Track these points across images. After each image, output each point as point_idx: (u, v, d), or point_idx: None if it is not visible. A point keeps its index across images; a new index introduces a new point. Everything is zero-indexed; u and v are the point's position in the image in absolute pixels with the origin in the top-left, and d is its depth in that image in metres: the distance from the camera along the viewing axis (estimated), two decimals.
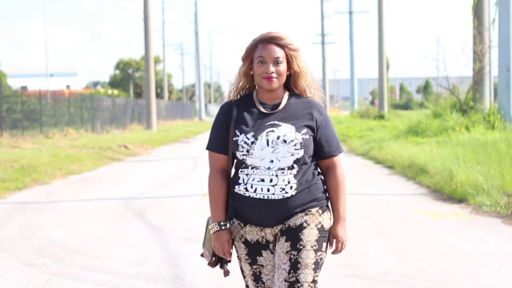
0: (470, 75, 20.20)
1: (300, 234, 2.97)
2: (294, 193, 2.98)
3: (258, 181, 2.97)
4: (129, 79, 73.77)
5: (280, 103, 3.06)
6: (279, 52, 3.00)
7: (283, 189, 2.96)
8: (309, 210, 3.01)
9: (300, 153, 2.97)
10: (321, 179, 3.11)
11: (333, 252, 3.09)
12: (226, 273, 3.16)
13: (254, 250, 3.05)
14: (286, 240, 2.97)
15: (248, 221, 3.03)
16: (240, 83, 3.14)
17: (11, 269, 6.12)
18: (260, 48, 3.01)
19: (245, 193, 2.99)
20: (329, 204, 3.11)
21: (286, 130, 2.98)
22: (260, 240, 3.05)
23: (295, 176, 2.97)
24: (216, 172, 3.07)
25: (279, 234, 3.02)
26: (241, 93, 3.15)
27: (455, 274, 5.63)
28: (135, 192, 11.45)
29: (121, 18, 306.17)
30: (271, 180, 2.96)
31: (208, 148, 3.10)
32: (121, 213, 9.23)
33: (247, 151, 2.97)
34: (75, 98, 32.72)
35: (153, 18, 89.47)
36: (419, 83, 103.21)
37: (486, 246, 6.74)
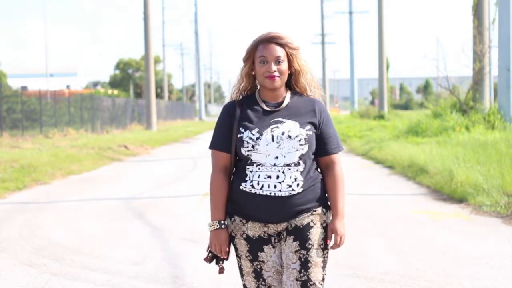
0: (470, 75, 20.20)
1: (308, 233, 3.03)
2: (300, 191, 3.02)
3: (264, 178, 3.00)
4: (129, 79, 73.77)
5: (283, 102, 3.11)
6: (280, 51, 3.05)
7: (290, 186, 3.00)
8: (314, 210, 3.06)
9: (305, 148, 3.02)
10: (321, 177, 3.14)
11: (332, 247, 3.12)
12: (221, 271, 3.18)
13: (255, 246, 3.07)
14: (295, 240, 3.03)
15: (251, 218, 3.05)
16: (242, 84, 3.17)
17: (11, 269, 6.12)
18: (261, 48, 3.06)
19: (251, 190, 3.01)
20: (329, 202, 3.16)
21: (290, 126, 3.03)
22: (262, 235, 3.07)
23: (301, 173, 3.02)
24: (218, 170, 3.10)
25: (285, 234, 3.06)
26: (243, 93, 3.18)
27: (455, 274, 5.63)
28: (135, 192, 11.46)
29: (121, 18, 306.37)
30: (277, 177, 2.99)
31: (211, 146, 3.14)
32: (121, 213, 9.23)
33: (252, 146, 3.01)
34: (75, 98, 32.72)
35: (153, 18, 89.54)
36: (419, 83, 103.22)
37: (486, 246, 6.74)
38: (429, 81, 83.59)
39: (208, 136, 33.20)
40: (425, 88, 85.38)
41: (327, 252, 3.09)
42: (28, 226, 8.25)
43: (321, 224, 3.07)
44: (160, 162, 18.28)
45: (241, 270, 3.14)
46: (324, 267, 3.05)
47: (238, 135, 3.04)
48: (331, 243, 3.13)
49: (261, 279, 3.09)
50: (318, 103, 3.16)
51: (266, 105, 3.10)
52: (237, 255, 3.13)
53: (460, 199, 9.57)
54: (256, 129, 3.03)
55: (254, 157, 3.02)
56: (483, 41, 18.98)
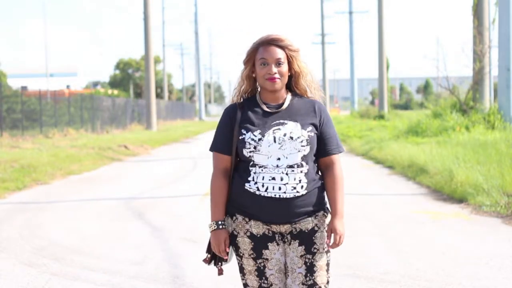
0: (470, 75, 20.20)
1: (313, 238, 3.09)
2: (304, 193, 3.05)
3: (269, 180, 3.02)
4: (129, 79, 73.76)
5: (283, 103, 3.14)
6: (280, 53, 3.08)
7: (294, 188, 3.02)
8: (317, 213, 3.10)
9: (307, 149, 3.05)
10: (322, 180, 3.18)
11: (331, 246, 3.14)
12: (220, 272, 3.20)
13: (260, 244, 3.08)
14: (300, 244, 3.08)
15: (254, 217, 3.08)
16: (243, 87, 3.20)
17: (11, 269, 6.12)
18: (262, 51, 3.09)
19: (255, 191, 3.03)
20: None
21: (292, 127, 3.06)
22: (267, 233, 3.09)
23: (305, 174, 3.05)
24: (219, 172, 3.13)
25: (289, 237, 3.10)
26: (244, 96, 3.21)
27: (455, 274, 5.64)
28: (135, 192, 11.46)
29: (121, 18, 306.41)
30: (282, 179, 3.02)
31: (212, 149, 3.16)
32: (121, 213, 9.23)
33: (254, 147, 3.03)
34: (75, 98, 32.71)
35: (153, 18, 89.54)
36: (419, 83, 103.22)
37: (486, 246, 6.74)
38: (429, 81, 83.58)
39: (208, 136, 33.22)
40: (425, 88, 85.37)
41: (330, 255, 3.14)
42: (28, 226, 8.25)
43: (324, 228, 3.12)
44: (160, 162, 18.29)
45: (242, 269, 3.14)
46: (328, 270, 3.11)
47: (240, 137, 3.06)
48: (330, 242, 3.15)
49: (263, 278, 3.09)
50: (318, 103, 3.19)
51: (267, 107, 3.13)
52: (238, 254, 3.13)
53: (460, 199, 9.57)
54: (258, 131, 3.05)
55: (256, 158, 3.04)
56: (483, 41, 18.98)
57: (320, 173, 3.17)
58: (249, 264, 3.11)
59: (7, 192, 11.54)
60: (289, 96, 3.16)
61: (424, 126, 19.56)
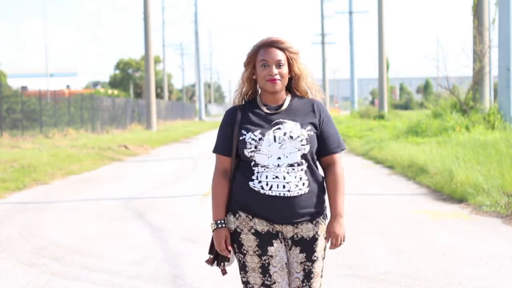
0: (470, 75, 20.21)
1: (314, 246, 3.15)
2: (307, 190, 3.09)
3: (273, 178, 3.06)
4: (129, 79, 73.74)
5: (283, 104, 3.18)
6: (280, 55, 3.13)
7: (297, 186, 3.07)
8: (317, 220, 3.15)
9: (307, 148, 3.09)
10: (323, 180, 3.22)
11: (331, 247, 3.19)
12: (224, 272, 3.24)
13: (265, 240, 3.10)
14: (301, 252, 3.14)
15: (257, 216, 3.11)
16: (244, 88, 3.25)
17: (11, 269, 6.12)
18: (262, 52, 3.14)
19: (260, 190, 3.07)
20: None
21: (291, 127, 3.11)
22: (271, 230, 3.12)
23: (306, 172, 3.10)
24: (220, 173, 3.19)
25: (290, 242, 3.15)
26: (245, 98, 3.26)
27: (455, 274, 5.64)
28: (135, 192, 11.46)
29: (121, 18, 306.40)
30: (284, 178, 3.06)
31: (214, 151, 3.23)
32: (121, 213, 9.23)
33: (255, 147, 3.08)
34: (75, 98, 32.71)
35: (153, 18, 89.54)
36: (419, 83, 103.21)
37: (486, 246, 6.74)
38: (429, 81, 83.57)
39: (208, 136, 33.25)
40: (425, 88, 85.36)
41: (325, 260, 3.24)
42: (28, 226, 8.25)
43: (323, 235, 3.19)
44: (160, 162, 18.29)
45: (244, 266, 3.13)
46: (322, 275, 3.21)
47: (240, 137, 3.11)
48: (329, 243, 3.19)
49: (267, 275, 3.10)
50: (317, 103, 3.23)
51: (267, 108, 3.18)
52: (241, 252, 3.14)
53: (460, 199, 9.57)
54: (258, 131, 3.10)
55: (257, 158, 3.08)
56: (483, 41, 18.98)
57: (321, 172, 3.21)
58: (253, 261, 3.11)
59: (7, 192, 11.54)
60: (288, 97, 3.21)
61: (424, 126, 19.56)
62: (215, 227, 3.15)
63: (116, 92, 58.16)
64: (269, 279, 3.10)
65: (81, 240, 7.37)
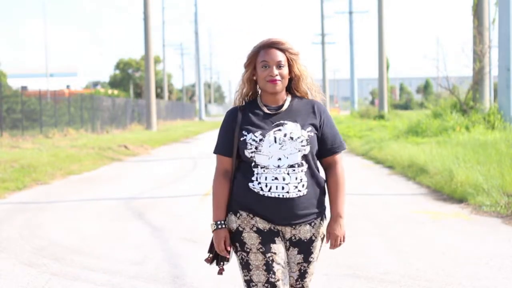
0: (470, 75, 20.20)
1: (311, 247, 3.20)
2: (305, 192, 3.11)
3: (272, 180, 3.08)
4: (129, 79, 73.73)
5: (283, 105, 3.20)
6: (280, 56, 3.15)
7: (296, 187, 3.08)
8: (314, 223, 3.18)
9: (307, 149, 3.10)
10: (324, 181, 3.23)
11: (330, 248, 3.23)
12: (221, 271, 3.26)
13: (268, 238, 3.12)
14: (299, 253, 3.19)
15: (258, 215, 3.13)
16: (244, 89, 3.26)
17: (11, 269, 6.12)
18: (263, 53, 3.16)
19: (259, 192, 3.09)
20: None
21: (292, 128, 3.12)
22: (273, 228, 3.14)
23: (305, 173, 3.11)
24: (221, 174, 3.21)
25: (288, 244, 3.18)
26: (246, 99, 3.27)
27: (455, 274, 5.64)
28: (135, 192, 11.46)
29: (121, 18, 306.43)
30: (284, 179, 3.08)
31: (215, 151, 3.25)
32: (121, 213, 9.23)
33: (256, 148, 3.09)
34: (75, 98, 32.71)
35: (153, 18, 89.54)
36: (419, 83, 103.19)
37: (486, 246, 6.74)
38: (429, 81, 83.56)
39: (208, 136, 33.25)
40: (425, 88, 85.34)
41: (318, 257, 3.31)
42: (28, 226, 8.25)
43: (320, 236, 3.23)
44: (160, 162, 18.29)
45: (247, 264, 3.11)
46: (313, 274, 3.30)
47: (241, 138, 3.12)
48: (328, 243, 3.23)
49: (271, 272, 3.10)
50: (318, 104, 3.24)
51: (267, 109, 3.19)
52: (244, 250, 3.12)
53: (460, 199, 9.57)
54: (259, 132, 3.11)
55: (258, 159, 3.09)
56: (483, 41, 18.98)
57: (322, 173, 3.22)
58: (257, 259, 3.10)
59: (7, 192, 11.54)
60: (288, 98, 3.22)
61: (424, 126, 19.56)
62: (215, 227, 3.16)
63: (116, 92, 58.16)
64: (273, 276, 3.09)
65: (81, 240, 7.37)
